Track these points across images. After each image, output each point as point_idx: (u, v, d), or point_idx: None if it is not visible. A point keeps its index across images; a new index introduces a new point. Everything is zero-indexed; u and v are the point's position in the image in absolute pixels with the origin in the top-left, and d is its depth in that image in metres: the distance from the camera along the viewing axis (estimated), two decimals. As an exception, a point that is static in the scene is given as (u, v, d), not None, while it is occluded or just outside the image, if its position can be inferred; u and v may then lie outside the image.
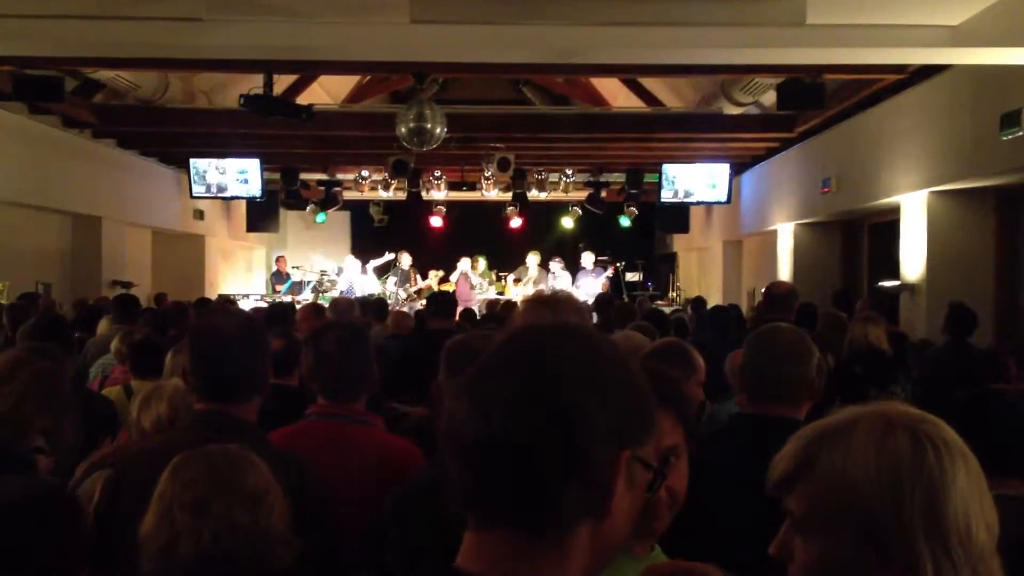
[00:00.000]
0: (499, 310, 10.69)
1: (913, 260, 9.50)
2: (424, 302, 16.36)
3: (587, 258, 15.95)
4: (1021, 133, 7.34)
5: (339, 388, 3.16)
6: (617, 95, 15.06)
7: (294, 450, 2.80)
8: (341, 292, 16.11)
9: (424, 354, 4.92)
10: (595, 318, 8.94)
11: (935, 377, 6.97)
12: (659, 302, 16.70)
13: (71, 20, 5.05)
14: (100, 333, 7.97)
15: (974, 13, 5.00)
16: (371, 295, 16.39)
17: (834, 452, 1.37)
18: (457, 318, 11.19)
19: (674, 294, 18.10)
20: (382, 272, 16.95)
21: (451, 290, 16.76)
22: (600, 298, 10.42)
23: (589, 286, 15.68)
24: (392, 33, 5.01)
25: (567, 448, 1.14)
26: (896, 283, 9.78)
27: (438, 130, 8.89)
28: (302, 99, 12.55)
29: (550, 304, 3.04)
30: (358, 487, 2.96)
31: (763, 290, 8.33)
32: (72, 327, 8.88)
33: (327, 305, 8.05)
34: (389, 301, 16.28)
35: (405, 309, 16.13)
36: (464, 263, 16.69)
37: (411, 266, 16.85)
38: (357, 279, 16.49)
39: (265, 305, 15.88)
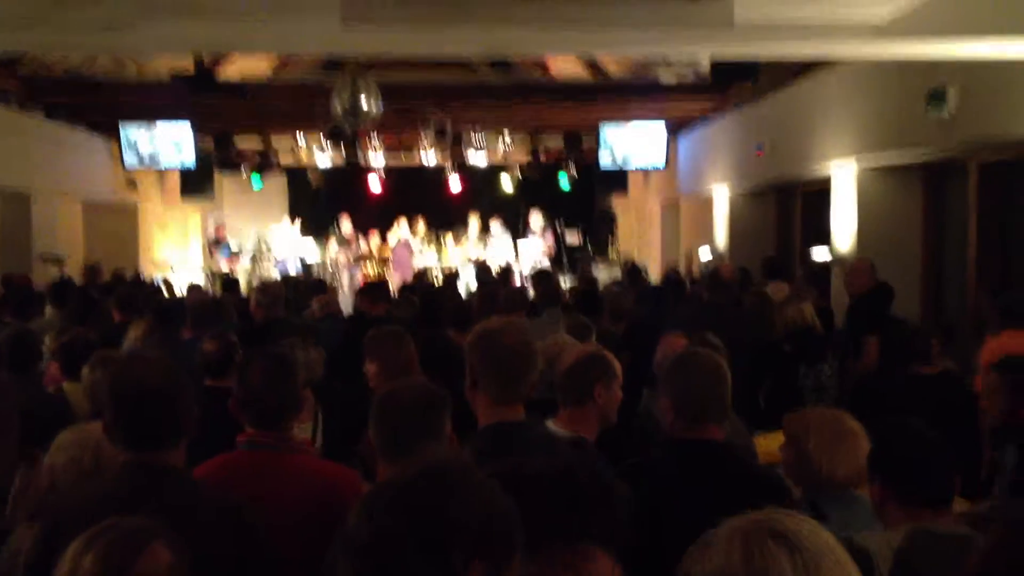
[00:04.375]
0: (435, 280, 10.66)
1: (843, 232, 9.68)
2: (363, 269, 16.40)
3: (535, 219, 16.00)
4: (946, 110, 7.49)
5: (266, 417, 3.17)
6: (557, 57, 15.00)
7: (228, 490, 2.82)
8: (276, 262, 16.04)
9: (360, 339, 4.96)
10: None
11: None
12: (599, 262, 16.85)
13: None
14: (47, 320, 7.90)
15: (900, 11, 5.07)
16: (308, 264, 16.38)
17: (698, 565, 1.52)
18: (397, 292, 11.21)
19: (614, 254, 18.24)
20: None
21: (387, 256, 16.80)
22: (539, 274, 10.47)
23: (534, 248, 15.77)
24: (324, 30, 4.97)
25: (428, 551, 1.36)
26: (827, 254, 9.97)
27: (374, 109, 8.82)
28: (233, 67, 12.37)
29: None
30: (292, 516, 2.99)
31: (708, 270, 8.49)
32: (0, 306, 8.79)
33: (258, 286, 7.97)
34: (329, 269, 16.28)
35: (345, 276, 16.17)
36: (403, 227, 16.64)
37: (352, 231, 16.79)
38: (290, 250, 16.42)
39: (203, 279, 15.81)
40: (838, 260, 9.70)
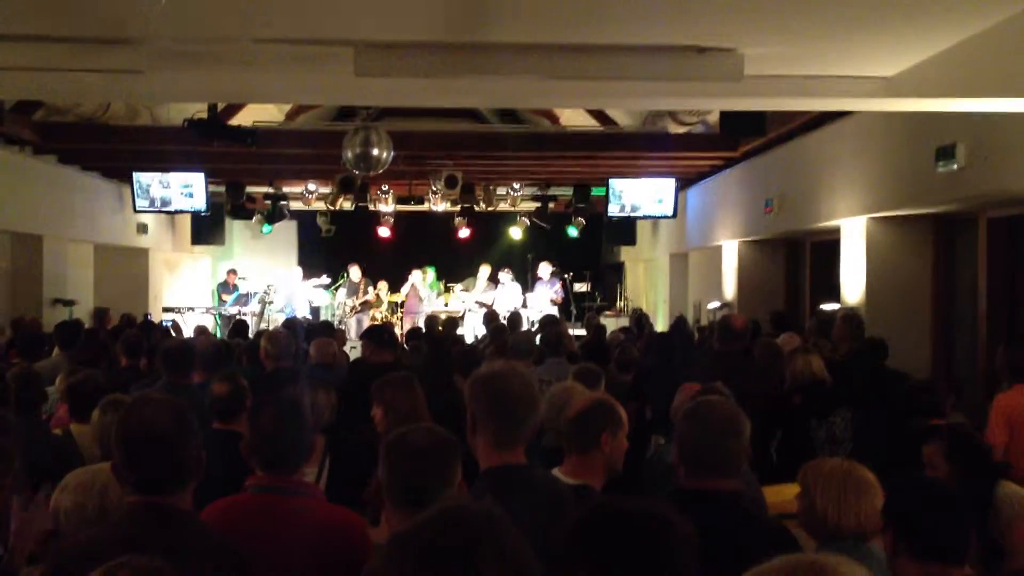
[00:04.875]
0: (439, 328, 10.62)
1: (853, 284, 9.67)
2: (371, 315, 16.43)
3: (544, 268, 16.07)
4: (956, 166, 7.51)
5: (276, 461, 3.16)
6: (566, 109, 15.13)
7: (233, 538, 2.80)
8: (282, 310, 16.08)
9: (364, 386, 4.94)
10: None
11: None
12: (607, 312, 16.88)
13: (9, 72, 4.99)
14: (52, 361, 7.88)
15: (907, 66, 5.12)
16: (317, 308, 16.41)
17: None
18: (404, 335, 11.16)
19: (622, 304, 18.27)
20: (327, 287, 17.00)
21: (400, 301, 16.87)
22: (545, 319, 10.46)
23: (541, 297, 15.80)
24: (337, 82, 5.03)
25: None
26: (836, 306, 9.95)
27: (384, 155, 8.89)
28: (245, 113, 12.49)
29: None
30: (298, 560, 2.97)
31: (720, 318, 8.48)
32: (8, 348, 8.82)
33: (266, 335, 7.86)
34: (336, 313, 16.32)
35: (352, 321, 16.19)
36: (415, 275, 16.74)
37: (361, 278, 16.86)
38: (297, 294, 16.47)
39: (210, 320, 15.86)
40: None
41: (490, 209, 16.73)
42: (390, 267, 17.50)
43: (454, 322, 12.18)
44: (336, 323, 14.62)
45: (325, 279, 16.90)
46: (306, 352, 8.25)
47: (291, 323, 10.87)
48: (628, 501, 1.92)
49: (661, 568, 1.78)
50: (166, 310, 16.15)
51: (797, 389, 6.80)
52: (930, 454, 4.01)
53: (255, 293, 16.43)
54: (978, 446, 4.16)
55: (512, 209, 17.19)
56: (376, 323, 14.68)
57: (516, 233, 17.77)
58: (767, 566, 1.53)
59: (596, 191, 15.23)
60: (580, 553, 1.80)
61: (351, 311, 16.53)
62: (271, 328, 10.37)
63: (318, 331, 9.51)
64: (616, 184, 14.36)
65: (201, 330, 11.09)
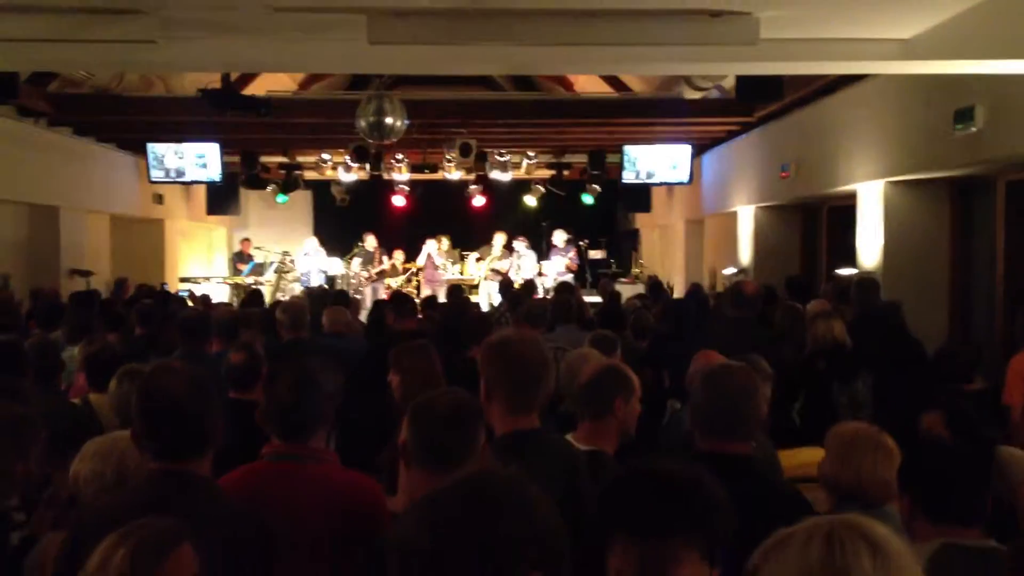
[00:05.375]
0: (450, 298, 10.58)
1: (870, 249, 9.62)
2: (387, 284, 16.47)
3: (559, 236, 16.06)
4: (974, 129, 7.44)
5: (291, 429, 3.16)
6: (580, 76, 15.04)
7: (250, 503, 2.83)
8: (300, 277, 16.14)
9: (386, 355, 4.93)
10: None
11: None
12: (622, 280, 16.85)
13: (23, 43, 4.99)
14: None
15: (925, 28, 5.07)
16: (333, 277, 16.45)
17: (773, 562, 1.50)
18: (420, 304, 11.16)
19: (637, 271, 18.23)
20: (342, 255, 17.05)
21: (416, 269, 16.90)
22: (559, 287, 10.47)
23: (557, 265, 15.81)
24: (350, 50, 5.01)
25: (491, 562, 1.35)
26: (853, 271, 9.91)
27: (398, 123, 8.88)
28: (259, 83, 12.48)
29: None
30: (312, 527, 2.99)
31: (731, 285, 8.46)
32: (28, 318, 8.89)
33: (281, 306, 7.82)
34: (352, 282, 16.36)
35: (367, 290, 16.22)
36: (430, 244, 16.76)
37: (376, 247, 16.88)
38: (316, 262, 16.51)
39: (227, 290, 15.95)
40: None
41: (504, 178, 16.69)
42: (405, 236, 17.51)
43: (459, 290, 12.12)
44: (352, 292, 14.65)
45: (314, 242, 16.96)
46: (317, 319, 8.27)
47: (310, 293, 10.90)
48: (663, 463, 1.93)
49: (695, 528, 1.78)
50: (183, 280, 16.23)
51: (819, 353, 6.81)
52: (931, 423, 4.02)
53: (271, 263, 16.50)
54: (975, 415, 4.16)
55: (527, 176, 17.15)
56: (392, 291, 14.71)
57: (531, 201, 17.74)
58: (792, 529, 1.53)
59: (611, 158, 15.17)
60: (615, 515, 1.82)
61: (367, 280, 16.57)
62: (287, 298, 10.39)
63: (332, 301, 9.52)
64: (631, 151, 14.31)
65: (203, 300, 11.12)
